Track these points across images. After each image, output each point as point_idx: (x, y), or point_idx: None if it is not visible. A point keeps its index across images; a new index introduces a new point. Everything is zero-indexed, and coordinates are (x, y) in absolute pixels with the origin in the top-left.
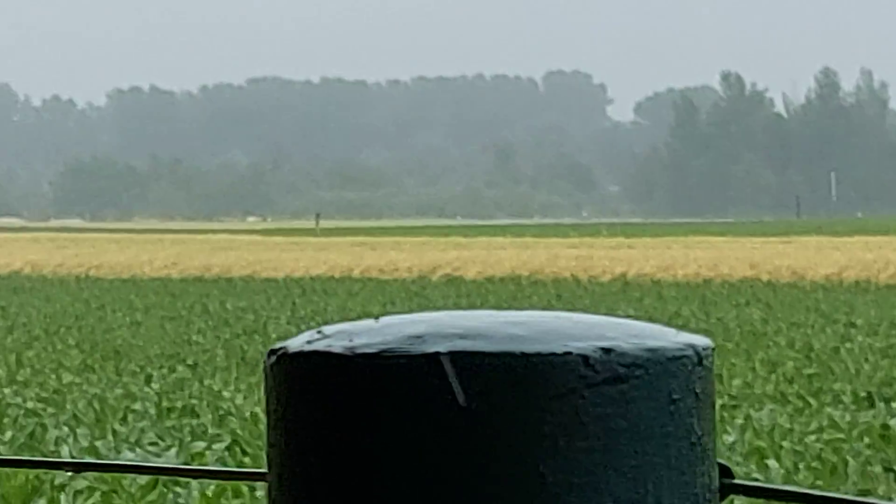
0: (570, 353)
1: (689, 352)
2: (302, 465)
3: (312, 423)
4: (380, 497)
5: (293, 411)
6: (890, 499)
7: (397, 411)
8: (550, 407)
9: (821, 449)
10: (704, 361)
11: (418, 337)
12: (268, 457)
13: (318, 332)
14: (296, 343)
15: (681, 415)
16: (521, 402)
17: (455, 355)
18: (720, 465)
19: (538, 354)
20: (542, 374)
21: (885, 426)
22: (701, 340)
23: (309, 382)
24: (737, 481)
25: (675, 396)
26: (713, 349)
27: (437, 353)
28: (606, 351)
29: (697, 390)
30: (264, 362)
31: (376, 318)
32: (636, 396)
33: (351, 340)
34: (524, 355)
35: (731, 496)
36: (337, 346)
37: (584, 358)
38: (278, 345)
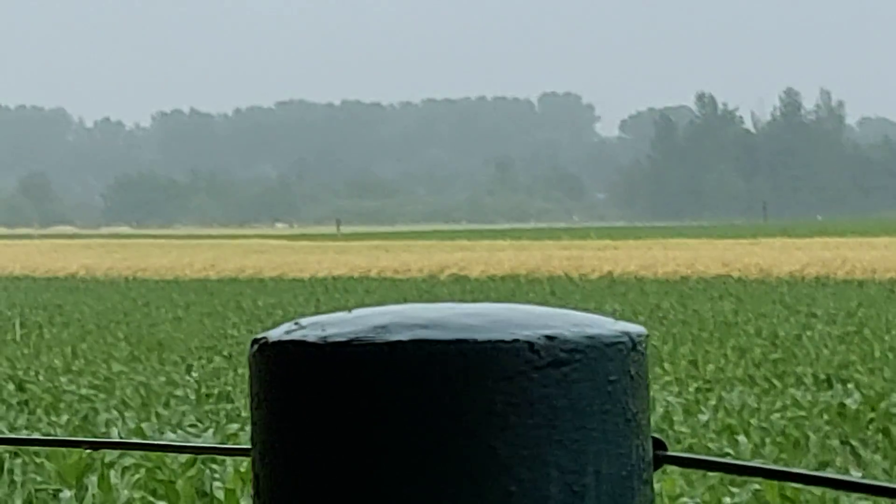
0: (517, 340)
1: (625, 338)
2: (281, 442)
3: (289, 406)
4: (349, 469)
5: (273, 395)
6: (846, 470)
7: (364, 394)
8: (500, 388)
9: (785, 426)
10: (638, 347)
11: (383, 327)
12: (252, 435)
13: (296, 323)
14: (275, 333)
15: (617, 394)
16: (474, 384)
17: (415, 343)
18: (655, 438)
19: (489, 341)
20: (493, 358)
21: (842, 405)
22: (636, 328)
23: (286, 369)
24: (669, 453)
25: (611, 378)
26: (647, 336)
27: (399, 342)
28: (550, 338)
29: (632, 372)
30: (248, 351)
31: (349, 310)
32: (576, 378)
33: (324, 330)
34: (476, 342)
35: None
36: (311, 335)
37: (530, 344)
38: (260, 335)
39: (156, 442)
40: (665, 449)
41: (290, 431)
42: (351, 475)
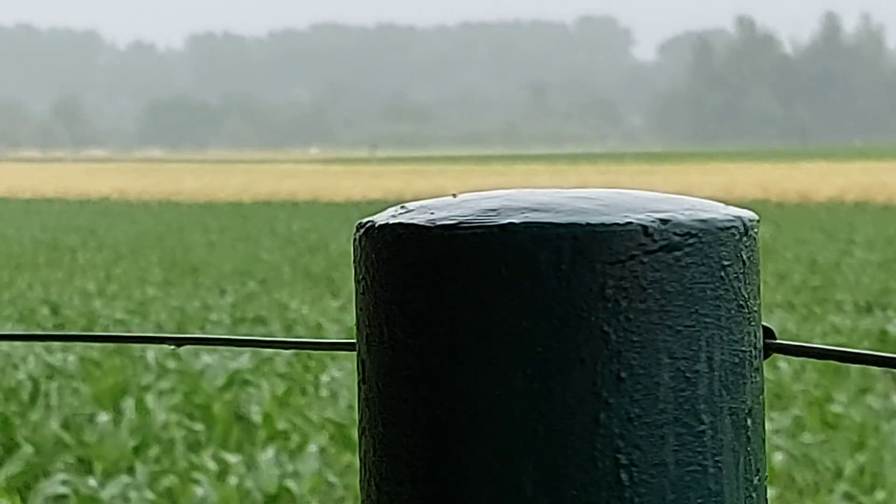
0: (630, 223)
1: (738, 223)
2: (388, 326)
3: (396, 290)
4: (457, 353)
5: (379, 279)
6: (887, 396)
7: (473, 278)
8: (613, 272)
9: None
10: (750, 232)
11: (493, 210)
12: (357, 322)
13: (402, 207)
14: (382, 217)
15: (729, 279)
16: (586, 268)
17: (526, 226)
18: (764, 327)
19: (602, 224)
20: (606, 242)
21: (883, 331)
22: (748, 214)
23: (393, 252)
24: (779, 341)
25: (724, 263)
26: (758, 221)
27: (511, 224)
28: (664, 221)
29: (744, 258)
30: (353, 236)
31: (454, 195)
32: (689, 263)
33: (432, 214)
34: (590, 225)
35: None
36: (419, 218)
37: (644, 228)
38: (365, 219)
39: (246, 337)
40: (774, 338)
41: (397, 315)
42: (458, 359)
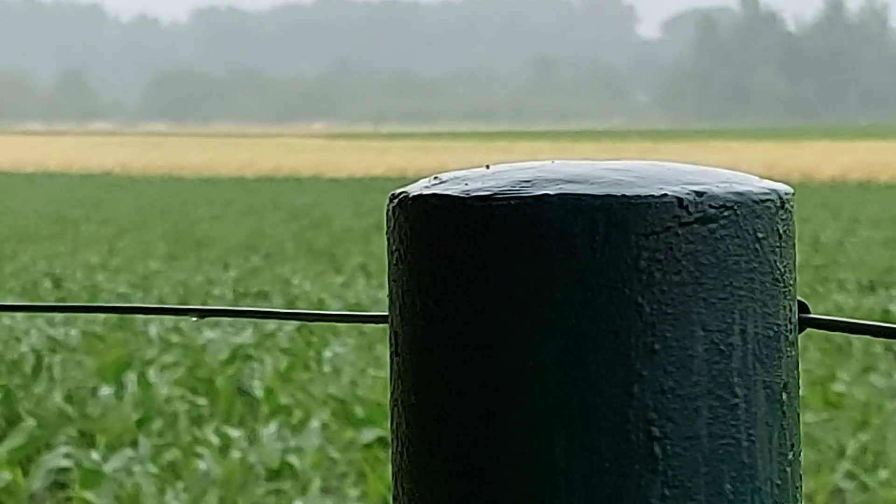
0: (666, 195)
1: (773, 196)
2: (421, 298)
3: (429, 261)
4: (489, 325)
5: (412, 250)
6: (890, 375)
7: (508, 249)
8: (647, 244)
9: (827, 332)
10: (786, 205)
11: (528, 181)
12: (389, 294)
13: (435, 178)
14: (415, 188)
15: (764, 252)
16: (621, 239)
17: (561, 197)
18: (799, 301)
19: (638, 196)
20: (641, 214)
21: (886, 311)
22: (783, 187)
23: (427, 223)
24: (814, 315)
25: (759, 236)
26: (794, 195)
27: (546, 195)
28: (699, 194)
29: (780, 231)
30: (386, 207)
31: (487, 166)
32: (724, 235)
33: (466, 185)
34: (625, 197)
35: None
36: (453, 189)
37: (679, 200)
38: (398, 190)
39: (271, 309)
40: (808, 312)
41: (430, 287)
42: (492, 330)
